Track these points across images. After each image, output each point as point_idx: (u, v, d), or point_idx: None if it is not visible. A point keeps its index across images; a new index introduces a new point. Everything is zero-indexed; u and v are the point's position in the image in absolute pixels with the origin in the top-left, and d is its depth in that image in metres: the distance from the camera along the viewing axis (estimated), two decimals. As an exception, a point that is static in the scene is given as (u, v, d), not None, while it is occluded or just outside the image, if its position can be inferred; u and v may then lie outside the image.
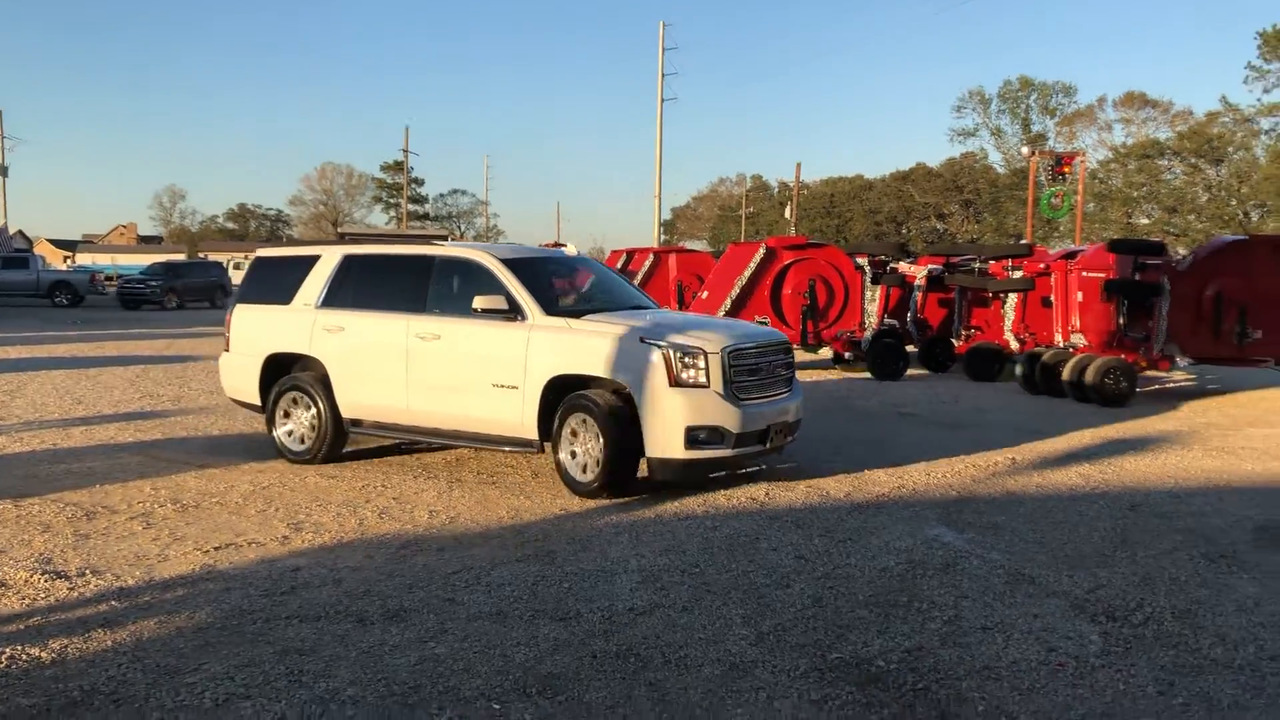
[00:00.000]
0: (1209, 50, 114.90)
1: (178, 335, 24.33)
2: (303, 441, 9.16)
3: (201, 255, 74.59)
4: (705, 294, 18.26)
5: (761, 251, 17.96)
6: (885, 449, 10.14)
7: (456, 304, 8.56)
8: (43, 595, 5.54)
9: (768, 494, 8.04)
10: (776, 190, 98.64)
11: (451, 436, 8.65)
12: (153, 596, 5.55)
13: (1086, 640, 5.05)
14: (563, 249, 10.21)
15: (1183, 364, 14.83)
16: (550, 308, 8.33)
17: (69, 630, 5.00)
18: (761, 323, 15.70)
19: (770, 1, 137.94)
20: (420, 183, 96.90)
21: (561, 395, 8.01)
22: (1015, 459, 9.75)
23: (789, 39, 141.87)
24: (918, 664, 4.70)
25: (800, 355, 17.46)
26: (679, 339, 7.78)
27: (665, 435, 7.66)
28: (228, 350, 9.86)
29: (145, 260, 60.82)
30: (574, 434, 7.95)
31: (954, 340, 18.60)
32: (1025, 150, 47.79)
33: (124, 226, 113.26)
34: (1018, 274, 17.42)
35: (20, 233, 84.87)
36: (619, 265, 24.28)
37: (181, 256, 66.18)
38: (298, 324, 9.25)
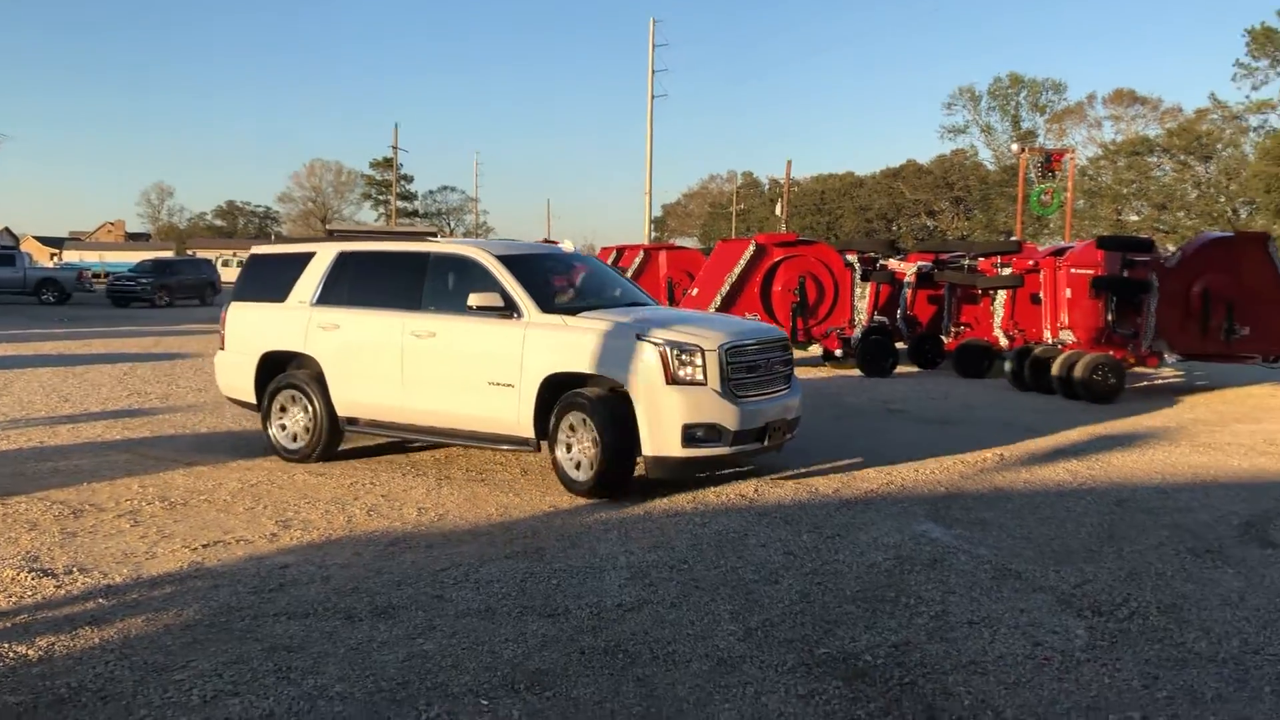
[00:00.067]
0: (1198, 48, 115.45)
1: (166, 333, 24.25)
2: (298, 440, 9.12)
3: (190, 252, 74.41)
4: (695, 291, 18.28)
5: (751, 248, 17.97)
6: (874, 445, 10.16)
7: (452, 301, 8.51)
8: (29, 593, 5.52)
9: (757, 491, 8.06)
10: (767, 187, 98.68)
11: (447, 435, 8.61)
12: (140, 594, 5.54)
13: (1072, 635, 5.07)
14: (559, 245, 10.13)
15: (1171, 360, 14.94)
16: (546, 305, 8.26)
17: (56, 628, 4.99)
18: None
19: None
20: (409, 180, 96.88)
21: (558, 393, 7.94)
22: (1003, 455, 9.79)
23: (780, 36, 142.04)
24: (904, 659, 4.72)
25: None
26: (676, 336, 7.72)
27: (662, 433, 7.60)
28: (223, 348, 9.82)
29: (133, 258, 60.58)
30: (570, 432, 7.88)
31: (943, 337, 18.66)
32: (1015, 147, 47.96)
33: (111, 224, 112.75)
34: (1007, 271, 17.47)
35: (7, 230, 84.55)
36: (609, 262, 24.27)
37: (170, 254, 65.94)
38: (293, 322, 9.20)
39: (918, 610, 5.39)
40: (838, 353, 17.92)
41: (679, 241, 77.73)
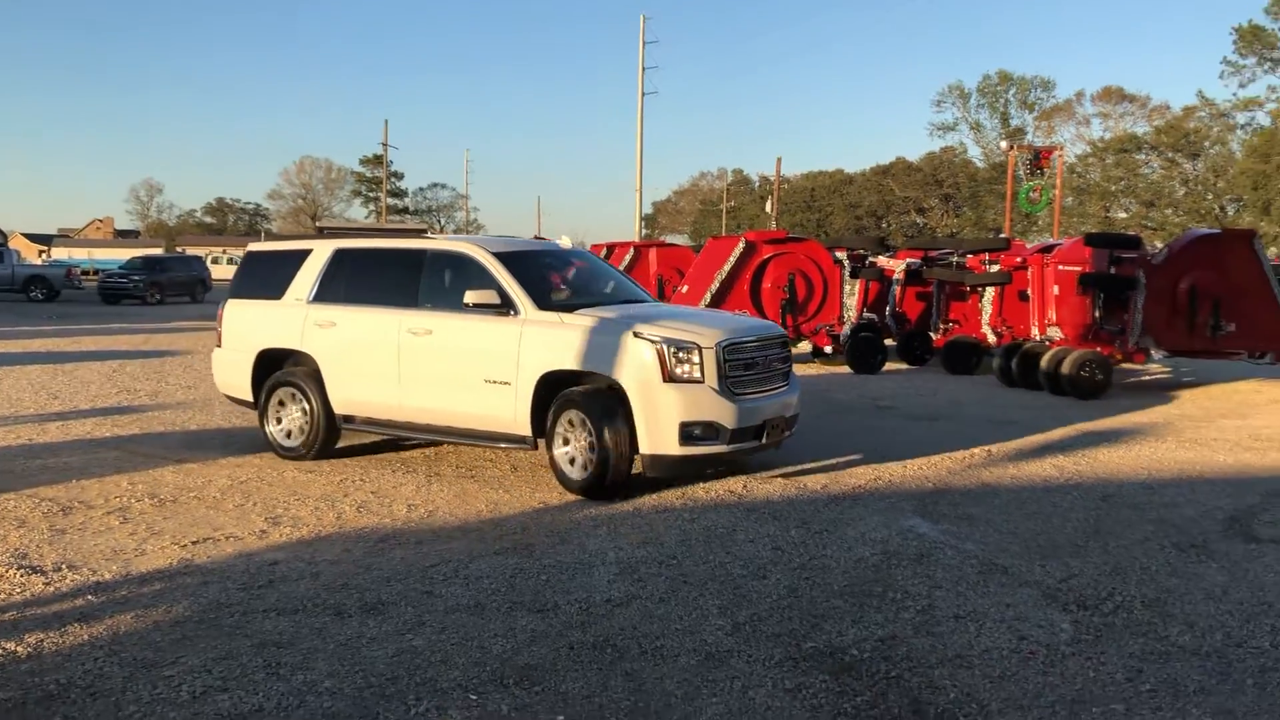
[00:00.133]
0: (1186, 45, 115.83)
1: (156, 330, 24.19)
2: (295, 437, 9.09)
3: (179, 249, 74.19)
4: (685, 288, 18.31)
5: (741, 245, 18.01)
6: (862, 442, 10.20)
7: (448, 298, 8.48)
8: (18, 590, 5.52)
9: (745, 486, 8.08)
10: (757, 184, 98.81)
11: (444, 433, 8.55)
12: (129, 591, 5.55)
13: (1057, 629, 5.12)
14: (557, 242, 10.08)
15: (1158, 357, 15.01)
16: (543, 302, 8.21)
17: (45, 625, 4.99)
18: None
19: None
20: (400, 176, 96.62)
21: (554, 391, 7.89)
22: (991, 451, 9.84)
23: (770, 33, 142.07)
24: (891, 653, 4.76)
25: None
26: (672, 334, 7.66)
27: (659, 431, 7.53)
28: (220, 346, 9.80)
29: (122, 255, 60.41)
30: (567, 431, 7.84)
31: (932, 334, 18.73)
32: (1004, 144, 48.02)
33: (100, 221, 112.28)
34: (995, 268, 17.54)
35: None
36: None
37: (159, 251, 65.69)
38: (289, 319, 9.17)
39: (904, 605, 5.42)
40: (827, 349, 17.97)
41: (669, 239, 77.66)
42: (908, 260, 19.12)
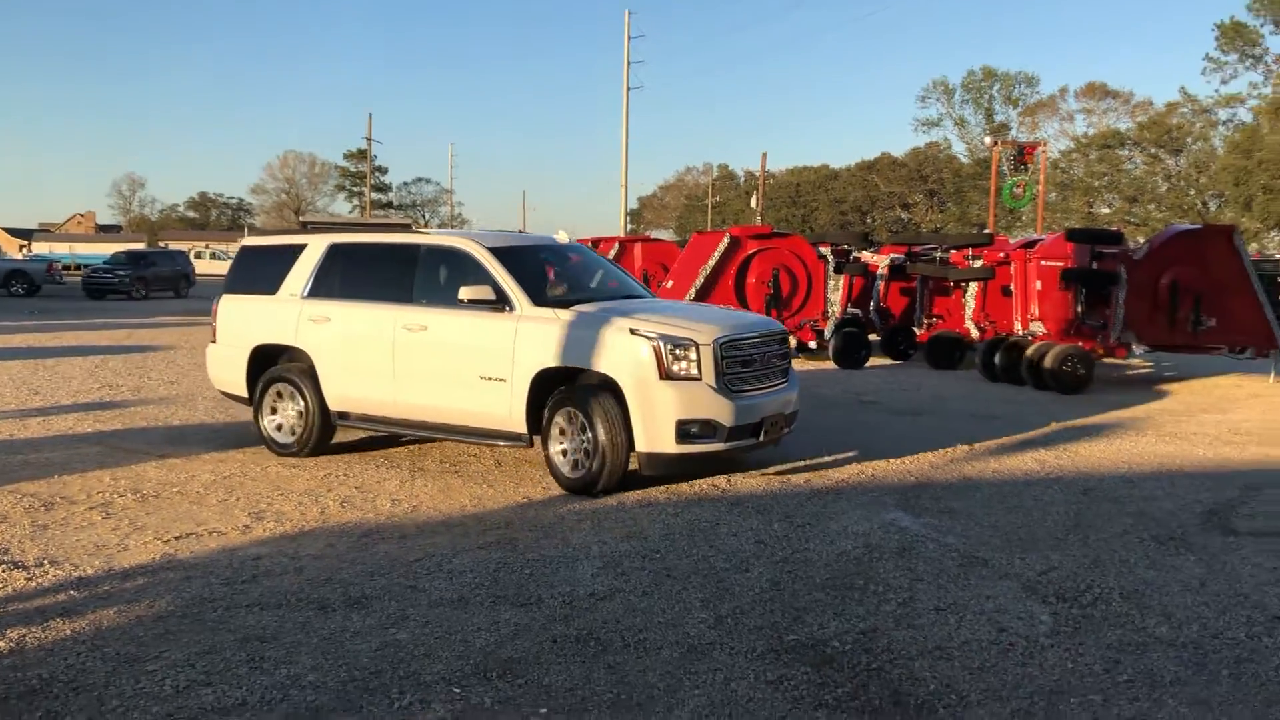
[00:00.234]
0: (1169, 42, 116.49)
1: (138, 325, 24.05)
2: (290, 434, 9.03)
3: (162, 244, 73.77)
4: (670, 283, 18.32)
5: (726, 241, 18.03)
6: (846, 436, 10.25)
7: (443, 294, 8.40)
8: (0, 586, 5.50)
9: (729, 481, 8.12)
10: (743, 180, 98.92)
11: (439, 430, 8.48)
12: (112, 586, 5.54)
13: (1037, 621, 5.17)
14: (553, 237, 9.99)
15: (1139, 351, 15.11)
16: (538, 298, 8.13)
17: (27, 620, 4.98)
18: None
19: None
20: (384, 171, 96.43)
21: (550, 388, 7.83)
22: (973, 445, 9.90)
23: (756, 29, 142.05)
24: (872, 645, 4.80)
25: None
26: (669, 330, 7.57)
27: (655, 429, 7.44)
28: (214, 341, 9.74)
29: (104, 250, 60.06)
30: (563, 428, 7.78)
31: (916, 329, 18.80)
32: (988, 140, 48.29)
33: (82, 215, 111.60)
34: (978, 263, 17.62)
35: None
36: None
37: (142, 246, 65.33)
38: (284, 315, 9.11)
39: (886, 597, 5.47)
40: (811, 345, 18.03)
41: (655, 234, 77.70)
42: (892, 256, 19.18)
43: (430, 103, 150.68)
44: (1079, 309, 15.32)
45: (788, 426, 8.43)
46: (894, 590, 5.58)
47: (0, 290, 36.32)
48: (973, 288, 17.80)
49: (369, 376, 8.62)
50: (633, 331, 7.57)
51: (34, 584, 5.54)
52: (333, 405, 8.87)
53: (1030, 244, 17.38)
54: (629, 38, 48.40)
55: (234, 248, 74.31)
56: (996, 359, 15.43)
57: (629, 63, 48.34)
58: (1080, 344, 14.63)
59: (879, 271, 19.06)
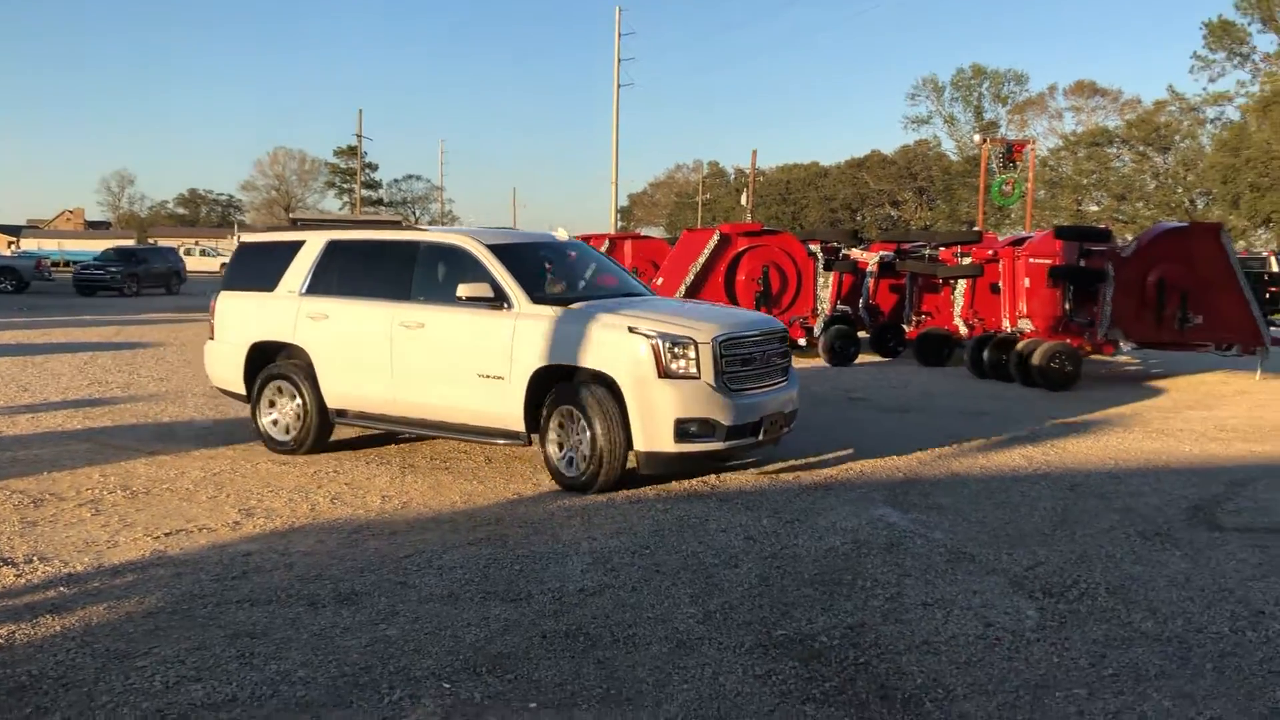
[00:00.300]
0: (1157, 40, 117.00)
1: (127, 322, 23.96)
2: (287, 432, 9.00)
3: (151, 241, 73.50)
4: (660, 280, 18.34)
5: (716, 238, 18.05)
6: (835, 433, 10.29)
7: (441, 291, 8.34)
8: (-11, 582, 5.51)
9: (719, 477, 8.14)
10: (733, 177, 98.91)
11: (437, 428, 8.44)
12: (102, 582, 5.54)
13: (1023, 615, 5.20)
14: (552, 234, 9.93)
15: (1126, 348, 15.19)
16: (537, 295, 8.08)
17: (16, 616, 4.98)
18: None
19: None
20: (374, 168, 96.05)
21: (549, 386, 7.78)
22: (961, 441, 9.95)
23: (747, 27, 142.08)
24: (859, 640, 4.83)
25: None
26: (668, 328, 7.51)
27: (654, 428, 7.39)
28: (212, 338, 9.70)
29: (93, 246, 59.78)
30: (561, 427, 7.75)
31: (905, 326, 18.86)
32: (977, 138, 48.32)
33: (70, 211, 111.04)
34: (967, 260, 17.68)
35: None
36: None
37: (131, 242, 65.06)
38: (282, 311, 9.07)
39: (873, 593, 5.50)
40: (801, 342, 18.06)
41: (645, 231, 77.83)
42: (881, 253, 19.24)
43: (421, 99, 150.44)
44: (1067, 306, 15.40)
45: (787, 425, 8.38)
46: (882, 585, 5.61)
47: (-12, 287, 36.15)
48: (961, 285, 17.86)
49: (367, 374, 8.58)
50: (631, 329, 7.53)
51: (23, 580, 5.54)
52: (330, 403, 8.84)
53: (1019, 241, 17.45)
54: (619, 34, 48.40)
55: (224, 244, 74.18)
56: (985, 356, 15.49)
57: (619, 59, 48.33)
58: (1068, 341, 14.71)
59: (868, 269, 19.13)
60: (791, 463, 8.76)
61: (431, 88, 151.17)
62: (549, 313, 7.88)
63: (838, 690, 4.29)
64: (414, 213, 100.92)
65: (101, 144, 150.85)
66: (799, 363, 17.44)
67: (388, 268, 8.76)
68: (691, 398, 7.43)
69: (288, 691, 4.19)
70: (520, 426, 7.89)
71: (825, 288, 18.67)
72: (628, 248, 23.46)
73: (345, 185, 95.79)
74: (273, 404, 9.10)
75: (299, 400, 8.91)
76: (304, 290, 9.04)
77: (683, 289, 17.50)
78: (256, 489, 7.69)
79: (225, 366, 9.52)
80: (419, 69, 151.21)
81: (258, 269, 9.51)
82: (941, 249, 18.34)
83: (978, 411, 12.07)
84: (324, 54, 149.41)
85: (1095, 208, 66.51)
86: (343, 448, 9.24)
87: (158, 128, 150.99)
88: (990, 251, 17.53)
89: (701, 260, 17.77)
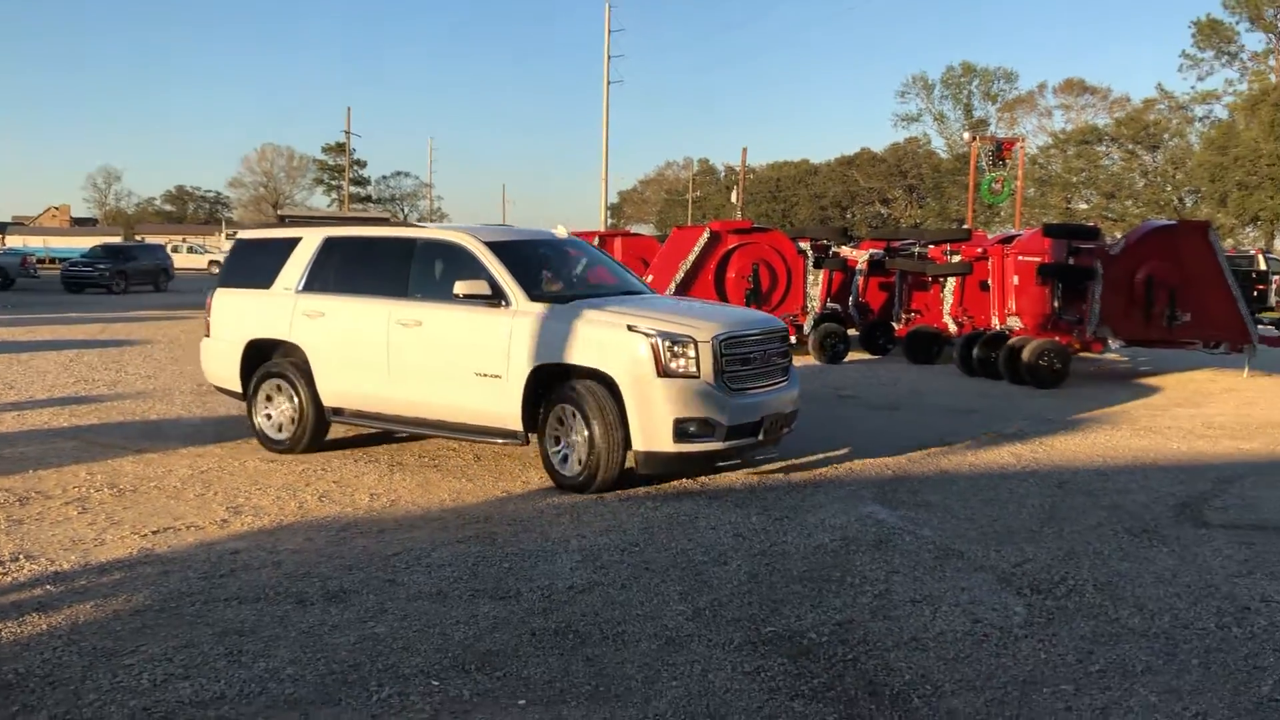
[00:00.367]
0: (1146, 39, 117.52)
1: (114, 319, 23.86)
2: (283, 430, 8.93)
3: (138, 238, 73.18)
4: (650, 278, 18.33)
5: (706, 235, 18.05)
6: (825, 431, 10.30)
7: (439, 288, 8.25)
8: (-25, 580, 5.48)
9: (708, 475, 8.14)
10: (723, 174, 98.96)
11: (434, 427, 8.39)
12: (89, 581, 5.52)
13: (1011, 612, 5.22)
14: (552, 231, 9.86)
15: (1115, 346, 15.25)
16: (535, 293, 8.00)
17: (2, 615, 4.95)
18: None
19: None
20: (362, 165, 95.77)
21: (547, 385, 7.71)
22: (950, 439, 9.97)
23: (738, 24, 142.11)
24: (848, 636, 4.84)
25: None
26: (667, 327, 7.43)
27: (653, 427, 7.31)
28: (208, 335, 9.64)
29: (79, 243, 59.55)
30: (559, 426, 7.66)
31: (894, 324, 18.89)
32: (967, 136, 48.51)
33: (56, 208, 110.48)
34: (956, 258, 17.72)
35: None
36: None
37: (118, 239, 64.82)
38: (278, 309, 9.00)
39: (862, 589, 5.51)
40: (791, 339, 18.07)
41: (635, 228, 77.66)
42: (871, 251, 19.29)
43: (410, 96, 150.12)
44: (1056, 304, 15.45)
45: (788, 426, 8.30)
46: (870, 582, 5.63)
47: (-26, 284, 35.98)
48: (951, 283, 17.90)
49: (363, 372, 8.52)
50: (630, 328, 7.46)
51: (9, 579, 5.51)
52: (327, 401, 8.77)
53: (1008, 239, 17.51)
54: (609, 31, 48.39)
55: (211, 242, 73.96)
56: (974, 354, 15.53)
57: (609, 56, 48.34)
58: (1057, 339, 14.76)
59: (858, 267, 19.17)
60: (781, 461, 8.77)
61: (420, 85, 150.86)
62: (547, 311, 7.81)
63: (826, 687, 4.30)
64: (402, 210, 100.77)
65: (88, 140, 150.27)
66: (788, 360, 17.49)
67: (385, 265, 8.70)
68: (691, 397, 7.36)
69: (276, 689, 4.18)
70: (518, 426, 7.81)
71: (815, 285, 18.69)
72: (618, 245, 23.41)
73: (333, 182, 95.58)
74: (270, 399, 9.04)
75: (295, 399, 8.84)
76: (300, 287, 8.97)
77: (673, 286, 17.49)
78: (244, 487, 7.67)
79: (221, 364, 9.46)
80: (408, 66, 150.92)
81: (254, 265, 9.44)
82: (931, 247, 18.38)
83: (967, 409, 12.11)
84: (313, 51, 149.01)
85: (1084, 206, 66.74)
86: (331, 446, 9.21)
87: (145, 124, 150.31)
88: (979, 249, 17.58)
89: (691, 258, 17.77)
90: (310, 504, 7.20)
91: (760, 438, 7.85)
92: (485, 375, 7.88)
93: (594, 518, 6.86)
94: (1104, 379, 15.79)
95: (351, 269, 8.86)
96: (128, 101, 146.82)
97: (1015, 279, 16.14)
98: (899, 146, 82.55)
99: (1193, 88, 62.66)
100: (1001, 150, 38.64)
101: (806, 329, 17.79)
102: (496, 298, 7.93)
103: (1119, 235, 25.80)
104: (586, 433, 7.44)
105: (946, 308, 17.92)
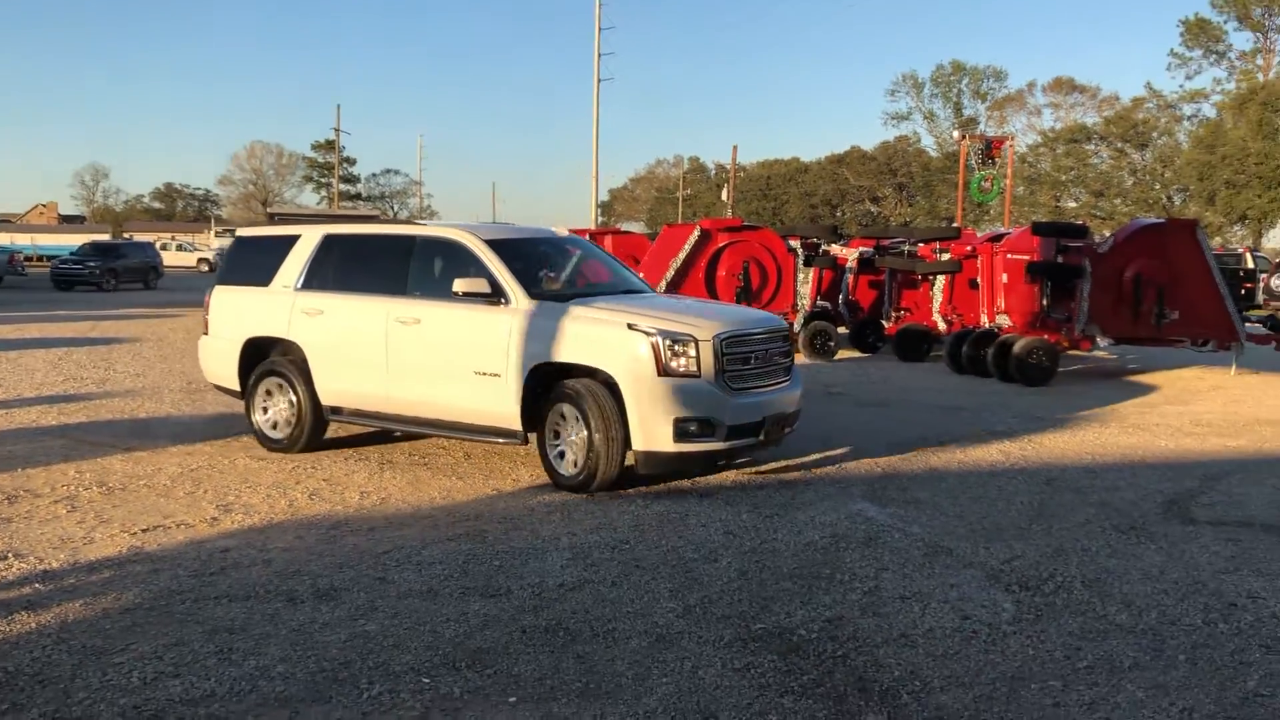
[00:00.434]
0: (1135, 38, 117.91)
1: (103, 317, 23.77)
2: (281, 429, 8.89)
3: (127, 235, 72.91)
4: (640, 275, 18.33)
5: (696, 233, 18.06)
6: (815, 428, 10.29)
7: (438, 286, 8.20)
8: (-36, 579, 5.46)
9: (699, 473, 8.15)
10: (714, 172, 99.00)
11: (433, 426, 8.34)
12: (78, 579, 5.51)
13: (1000, 608, 5.25)
14: (552, 230, 9.82)
15: (1103, 344, 15.31)
16: (535, 291, 7.95)
17: (-9, 613, 4.95)
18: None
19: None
20: (352, 162, 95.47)
21: (547, 384, 7.63)
22: (939, 437, 10.00)
23: (729, 23, 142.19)
24: (838, 633, 4.86)
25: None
26: (668, 326, 7.37)
27: (653, 427, 7.24)
28: (206, 333, 9.59)
29: (67, 240, 59.28)
30: (559, 425, 7.59)
31: (884, 322, 18.94)
32: (956, 134, 48.67)
33: (44, 205, 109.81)
34: (946, 256, 17.77)
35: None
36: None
37: (106, 237, 64.56)
38: (276, 307, 8.95)
39: (851, 586, 5.53)
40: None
41: (625, 226, 77.70)
42: (861, 249, 19.34)
43: (400, 94, 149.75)
44: (1044, 302, 15.50)
45: (790, 426, 8.24)
46: (860, 579, 5.65)
47: (-39, 282, 35.80)
48: (940, 281, 17.96)
49: (361, 371, 8.47)
50: (630, 327, 7.41)
51: (-2, 577, 5.50)
52: (325, 400, 8.72)
53: (997, 238, 17.57)
54: (599, 29, 48.34)
55: (200, 239, 73.66)
56: (963, 351, 15.57)
57: (599, 54, 48.28)
58: (1045, 336, 14.81)
59: (848, 265, 19.21)
60: (773, 460, 8.78)
61: (410, 82, 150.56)
62: (547, 309, 7.75)
63: (816, 683, 4.32)
64: (392, 208, 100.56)
65: (75, 137, 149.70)
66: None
67: (384, 263, 8.65)
68: (691, 397, 7.31)
69: (266, 687, 4.18)
70: (517, 425, 7.75)
71: (805, 283, 18.73)
72: (608, 243, 23.35)
73: (323, 180, 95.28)
74: (268, 397, 9.00)
75: (293, 397, 8.79)
76: (299, 285, 8.92)
77: (663, 285, 17.50)
78: (234, 485, 7.66)
79: (219, 362, 9.42)
80: (398, 63, 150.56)
81: (253, 263, 9.39)
82: (920, 245, 18.44)
83: (955, 406, 12.14)
84: (302, 48, 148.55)
85: (1073, 204, 66.97)
86: (322, 444, 9.18)
87: (132, 121, 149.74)
88: (969, 247, 17.64)
89: (682, 256, 17.78)
90: (300, 502, 7.19)
91: (761, 438, 7.79)
92: (485, 374, 7.83)
93: (584, 515, 6.87)
94: (1092, 377, 15.85)
95: (350, 267, 8.82)
96: (115, 98, 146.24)
97: (1004, 277, 16.21)
98: (889, 145, 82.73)
99: (1181, 86, 63.07)
100: (991, 149, 38.74)
101: (796, 327, 17.82)
102: (496, 296, 7.88)
103: (1108, 233, 25.89)
104: (586, 432, 7.39)
105: (936, 306, 17.98)
